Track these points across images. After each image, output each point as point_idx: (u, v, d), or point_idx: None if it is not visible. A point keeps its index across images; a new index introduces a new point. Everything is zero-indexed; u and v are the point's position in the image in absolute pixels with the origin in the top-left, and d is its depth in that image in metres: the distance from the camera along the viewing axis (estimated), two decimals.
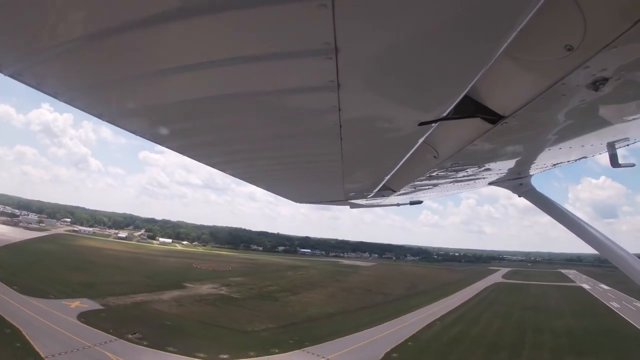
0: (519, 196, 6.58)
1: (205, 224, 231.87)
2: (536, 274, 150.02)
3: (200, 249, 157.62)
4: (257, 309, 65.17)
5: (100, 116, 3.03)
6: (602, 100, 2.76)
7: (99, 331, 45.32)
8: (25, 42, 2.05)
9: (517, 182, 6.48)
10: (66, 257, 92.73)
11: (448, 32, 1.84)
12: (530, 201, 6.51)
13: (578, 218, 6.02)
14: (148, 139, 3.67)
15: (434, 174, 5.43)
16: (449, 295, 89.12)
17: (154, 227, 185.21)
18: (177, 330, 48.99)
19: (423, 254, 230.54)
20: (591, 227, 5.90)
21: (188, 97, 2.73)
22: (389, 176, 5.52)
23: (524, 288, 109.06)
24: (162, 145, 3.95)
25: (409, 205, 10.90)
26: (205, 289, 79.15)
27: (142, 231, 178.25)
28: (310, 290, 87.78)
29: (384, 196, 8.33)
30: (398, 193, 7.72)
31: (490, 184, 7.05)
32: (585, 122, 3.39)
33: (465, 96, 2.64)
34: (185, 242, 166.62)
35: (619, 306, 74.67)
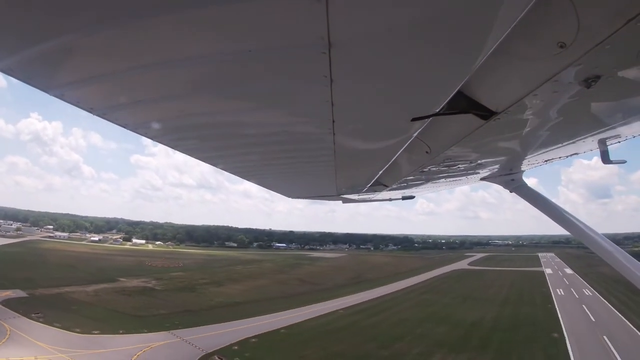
0: (511, 192, 6.64)
1: (195, 223, 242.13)
2: (510, 259, 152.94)
3: (171, 248, 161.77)
4: (167, 299, 69.16)
5: (91, 110, 2.97)
6: (594, 98, 2.76)
7: (11, 311, 52.70)
8: (16, 36, 2.01)
9: (509, 177, 6.54)
10: (23, 258, 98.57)
11: (441, 28, 1.83)
12: (522, 197, 6.57)
13: (569, 214, 6.10)
14: (139, 133, 3.62)
15: (427, 169, 5.43)
16: (386, 285, 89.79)
17: (134, 230, 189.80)
18: (75, 312, 55.21)
19: (405, 243, 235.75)
20: (581, 222, 5.99)
21: (180, 91, 2.69)
22: (381, 171, 5.53)
23: (478, 274, 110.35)
24: (154, 140, 3.89)
25: (401, 200, 10.90)
26: (135, 282, 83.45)
27: (117, 234, 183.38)
28: (241, 282, 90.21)
29: (376, 191, 8.33)
30: (390, 188, 7.70)
31: (482, 179, 7.10)
32: (577, 119, 3.38)
33: (458, 92, 2.64)
34: (158, 242, 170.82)
35: (562, 294, 72.54)
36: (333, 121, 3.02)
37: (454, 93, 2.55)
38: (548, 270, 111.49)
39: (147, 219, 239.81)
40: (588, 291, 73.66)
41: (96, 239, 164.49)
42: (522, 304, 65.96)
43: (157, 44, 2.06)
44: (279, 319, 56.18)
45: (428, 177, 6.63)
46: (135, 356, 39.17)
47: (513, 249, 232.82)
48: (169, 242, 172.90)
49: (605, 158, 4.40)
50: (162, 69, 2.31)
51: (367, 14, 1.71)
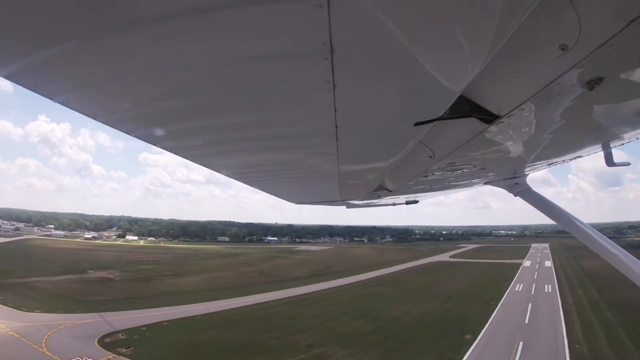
0: (515, 195, 6.59)
1: (199, 219, 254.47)
2: (499, 250, 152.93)
3: (162, 244, 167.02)
4: (118, 288, 75.02)
5: (95, 117, 2.98)
6: (597, 100, 2.76)
7: None
8: (21, 43, 2.01)
9: (513, 181, 6.51)
10: (9, 254, 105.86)
11: (443, 32, 1.83)
12: (526, 200, 6.53)
13: (573, 217, 6.10)
14: (143, 140, 3.62)
15: (430, 173, 5.41)
16: (346, 277, 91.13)
17: (132, 227, 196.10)
18: (30, 297, 62.26)
19: (402, 235, 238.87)
20: (586, 225, 5.97)
21: (184, 98, 2.70)
22: (385, 176, 5.51)
23: (452, 267, 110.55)
24: (158, 147, 3.90)
25: (405, 205, 10.85)
26: (100, 274, 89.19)
27: (115, 232, 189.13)
28: (200, 274, 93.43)
29: (380, 196, 8.28)
30: (394, 193, 7.64)
31: (486, 183, 7.09)
32: (580, 121, 3.37)
33: (461, 96, 2.64)
34: (151, 239, 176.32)
35: (519, 290, 70.45)
36: (336, 127, 3.04)
37: (456, 97, 2.55)
38: (527, 263, 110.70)
39: (152, 216, 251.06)
40: (549, 288, 71.29)
41: (90, 236, 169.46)
42: (467, 299, 64.95)
43: (161, 50, 2.08)
44: (206, 307, 60.38)
45: (432, 182, 6.63)
46: (57, 328, 46.58)
47: (512, 239, 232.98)
48: (162, 238, 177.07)
49: (609, 160, 4.39)
50: (165, 76, 2.33)
51: (369, 19, 1.71)
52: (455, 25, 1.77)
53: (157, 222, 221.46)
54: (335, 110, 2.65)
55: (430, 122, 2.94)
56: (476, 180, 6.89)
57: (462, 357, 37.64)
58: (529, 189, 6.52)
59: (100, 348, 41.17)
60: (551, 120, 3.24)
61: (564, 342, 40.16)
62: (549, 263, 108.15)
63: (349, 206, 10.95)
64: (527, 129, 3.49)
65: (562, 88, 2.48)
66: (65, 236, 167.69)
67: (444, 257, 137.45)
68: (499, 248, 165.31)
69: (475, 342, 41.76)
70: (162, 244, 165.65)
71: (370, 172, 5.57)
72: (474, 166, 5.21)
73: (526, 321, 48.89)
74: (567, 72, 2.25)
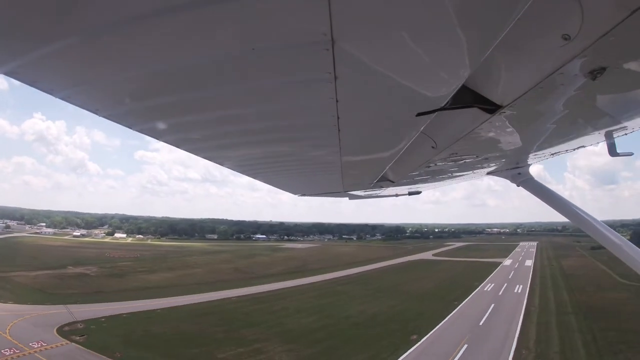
0: (518, 185, 6.60)
1: (194, 217, 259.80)
2: (484, 249, 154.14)
3: (149, 241, 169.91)
4: (91, 283, 77.98)
5: (96, 112, 2.99)
6: (600, 90, 2.75)
7: None
8: (21, 39, 2.01)
9: (516, 171, 6.52)
10: None
11: (445, 22, 1.82)
12: (529, 190, 6.55)
13: (575, 207, 6.11)
14: (145, 134, 3.62)
15: (433, 164, 5.43)
16: (319, 275, 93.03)
17: (123, 225, 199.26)
18: (6, 289, 65.38)
19: (392, 233, 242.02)
20: (588, 215, 5.99)
21: (185, 90, 2.70)
22: (387, 167, 5.52)
23: (430, 265, 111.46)
24: (160, 140, 3.90)
25: (407, 195, 10.90)
26: (78, 270, 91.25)
27: (105, 229, 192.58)
28: (176, 271, 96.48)
29: (382, 187, 8.31)
30: (397, 184, 7.70)
31: (489, 173, 7.09)
32: (583, 111, 3.36)
33: (463, 86, 2.64)
34: (139, 236, 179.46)
35: (488, 290, 70.30)
36: (338, 118, 3.01)
37: (458, 87, 2.53)
38: (507, 262, 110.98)
39: (147, 214, 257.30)
40: (520, 288, 70.98)
41: (78, 234, 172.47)
42: (430, 298, 64.97)
43: (161, 43, 2.07)
44: (169, 301, 62.69)
45: (434, 172, 6.66)
46: (23, 317, 49.21)
47: (504, 237, 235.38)
48: (150, 236, 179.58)
49: (612, 150, 4.38)
50: (166, 68, 2.33)
51: (370, 9, 1.71)
52: (457, 14, 1.76)
53: (149, 219, 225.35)
54: (337, 101, 2.66)
55: (433, 113, 2.93)
56: (479, 171, 6.89)
57: (397, 359, 37.78)
58: (531, 179, 6.52)
59: (57, 335, 43.57)
60: (554, 110, 3.22)
61: (511, 347, 39.60)
62: (529, 262, 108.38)
63: (352, 197, 10.95)
64: (529, 119, 3.48)
65: (564, 78, 2.47)
66: (54, 234, 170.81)
67: (427, 255, 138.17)
68: (485, 246, 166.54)
69: (418, 343, 41.97)
70: (149, 242, 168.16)
71: (373, 163, 5.55)
72: (477, 156, 5.21)
73: (481, 323, 48.57)
74: (569, 62, 2.24)
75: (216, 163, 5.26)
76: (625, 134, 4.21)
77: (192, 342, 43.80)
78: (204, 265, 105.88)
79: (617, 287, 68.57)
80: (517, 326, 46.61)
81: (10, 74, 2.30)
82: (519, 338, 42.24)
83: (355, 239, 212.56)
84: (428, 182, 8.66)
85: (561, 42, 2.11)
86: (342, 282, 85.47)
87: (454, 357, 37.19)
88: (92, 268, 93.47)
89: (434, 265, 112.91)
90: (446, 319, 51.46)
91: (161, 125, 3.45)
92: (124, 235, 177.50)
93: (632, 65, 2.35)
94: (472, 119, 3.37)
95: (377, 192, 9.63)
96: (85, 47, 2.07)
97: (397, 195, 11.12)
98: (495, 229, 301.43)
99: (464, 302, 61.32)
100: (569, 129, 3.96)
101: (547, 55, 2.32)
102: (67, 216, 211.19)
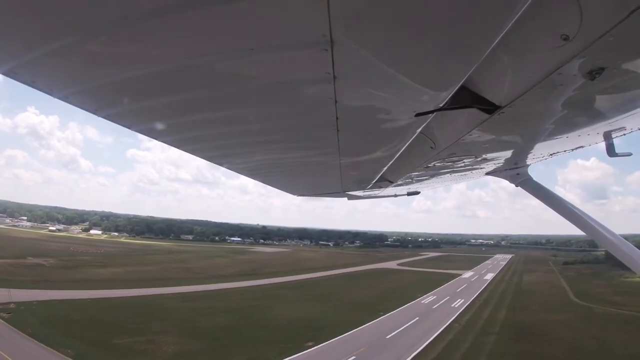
0: (516, 186, 6.61)
1: (182, 218, 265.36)
2: (454, 260, 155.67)
3: (123, 239, 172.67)
4: (44, 272, 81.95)
5: (96, 112, 3.01)
6: (599, 90, 2.76)
7: None
8: (20, 39, 2.02)
9: (514, 172, 6.51)
10: None
11: (444, 22, 1.83)
12: (527, 191, 6.55)
13: (574, 207, 6.13)
14: (144, 134, 3.64)
15: (431, 164, 5.45)
16: (269, 278, 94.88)
17: (103, 222, 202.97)
18: None
19: (373, 240, 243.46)
20: (587, 215, 5.98)
21: (183, 91, 2.71)
22: (386, 167, 5.52)
23: (388, 274, 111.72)
24: (159, 140, 3.90)
25: (406, 195, 10.86)
26: (37, 260, 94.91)
27: (82, 225, 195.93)
28: (127, 266, 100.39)
29: (381, 187, 8.29)
30: (395, 184, 7.72)
31: (488, 174, 7.09)
32: (582, 111, 3.38)
33: (462, 86, 2.64)
34: (114, 233, 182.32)
35: (424, 302, 69.52)
36: (337, 118, 3.01)
37: (457, 88, 2.54)
38: (467, 274, 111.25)
39: (132, 213, 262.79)
40: (460, 302, 70.23)
41: (54, 229, 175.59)
42: (359, 308, 64.87)
43: (160, 44, 2.07)
44: (104, 293, 67.20)
45: (433, 173, 6.66)
46: None
47: (484, 249, 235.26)
48: (125, 234, 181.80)
49: (611, 151, 4.39)
50: (165, 69, 2.33)
51: (369, 10, 1.71)
52: (456, 14, 1.77)
53: (130, 218, 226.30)
54: (336, 101, 2.65)
55: (431, 113, 2.94)
56: (477, 171, 6.85)
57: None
58: (530, 179, 6.50)
59: None
60: (552, 110, 3.23)
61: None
62: (490, 275, 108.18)
63: (351, 198, 10.79)
64: (528, 119, 3.48)
65: (563, 78, 2.46)
66: (31, 227, 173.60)
67: (392, 264, 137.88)
68: (458, 257, 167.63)
69: (308, 350, 43.24)
70: (122, 240, 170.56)
71: (371, 163, 5.51)
72: (475, 157, 5.20)
73: (389, 336, 48.13)
74: (568, 62, 2.24)
75: (215, 163, 5.25)
76: (624, 135, 4.20)
77: (100, 328, 47.78)
78: (158, 264, 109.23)
79: (566, 307, 68.25)
80: (424, 343, 45.86)
81: (9, 73, 2.29)
82: (415, 356, 41.79)
83: (332, 245, 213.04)
84: (427, 182, 8.60)
85: (560, 43, 2.11)
86: (286, 286, 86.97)
87: None
88: (50, 260, 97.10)
89: (391, 274, 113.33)
90: (358, 328, 51.86)
91: (160, 126, 3.44)
92: (100, 232, 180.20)
93: (630, 66, 2.35)
94: (471, 120, 3.37)
95: (376, 192, 9.58)
96: (84, 48, 2.07)
97: (395, 195, 11.12)
98: (481, 240, 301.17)
99: (391, 313, 61.36)
100: (567, 129, 3.94)
101: (545, 56, 2.31)
102: (49, 211, 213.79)
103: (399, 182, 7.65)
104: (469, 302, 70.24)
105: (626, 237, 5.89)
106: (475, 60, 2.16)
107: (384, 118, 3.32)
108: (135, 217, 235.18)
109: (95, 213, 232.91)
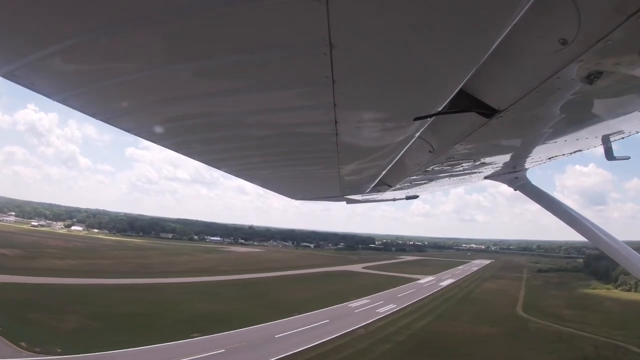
0: (515, 190, 6.59)
1: (165, 216, 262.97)
2: (427, 264, 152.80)
3: (102, 235, 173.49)
4: (3, 261, 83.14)
5: (94, 115, 3.01)
6: (597, 94, 2.76)
7: None
8: (19, 42, 2.03)
9: (513, 175, 6.51)
10: None
11: (442, 27, 1.84)
12: (526, 194, 6.54)
13: (572, 210, 6.13)
14: (143, 137, 3.64)
15: (430, 168, 5.43)
16: (219, 276, 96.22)
17: (89, 218, 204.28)
18: None
19: (360, 243, 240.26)
20: (585, 219, 5.98)
21: (182, 95, 2.71)
22: (385, 171, 5.50)
23: (342, 277, 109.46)
24: (157, 144, 3.92)
25: (405, 200, 10.92)
26: (2, 251, 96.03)
27: (69, 222, 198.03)
28: (84, 259, 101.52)
29: (380, 191, 8.29)
30: (394, 188, 7.72)
31: (486, 178, 7.10)
32: (580, 115, 3.39)
33: (461, 90, 2.64)
34: (95, 230, 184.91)
35: (353, 306, 68.96)
36: (336, 122, 3.00)
37: (456, 92, 2.54)
38: (426, 279, 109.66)
39: (125, 211, 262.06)
40: (388, 308, 68.01)
41: (36, 224, 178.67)
42: (280, 307, 64.31)
43: (159, 48, 2.08)
44: (48, 280, 69.99)
45: (432, 177, 6.65)
46: None
47: (469, 254, 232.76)
48: (105, 230, 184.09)
49: (609, 154, 4.38)
50: (164, 73, 2.33)
51: (368, 14, 1.71)
52: (455, 19, 1.77)
53: (118, 216, 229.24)
54: (335, 105, 2.65)
55: (430, 117, 2.94)
56: (476, 175, 6.88)
57: (133, 347, 41.97)
58: (528, 183, 6.50)
59: None
60: (551, 114, 3.23)
61: None
62: (449, 282, 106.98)
63: (349, 202, 10.80)
64: (526, 123, 3.48)
65: (561, 82, 2.47)
66: (15, 222, 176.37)
67: (358, 267, 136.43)
68: (433, 262, 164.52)
69: (188, 340, 45.36)
70: (101, 236, 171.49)
71: (370, 167, 5.52)
72: (474, 161, 5.21)
73: (278, 335, 48.22)
74: (566, 66, 2.25)
75: (214, 167, 5.23)
76: (622, 138, 4.20)
77: (24, 306, 52.26)
78: (117, 258, 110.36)
79: (502, 319, 65.97)
80: (308, 345, 45.16)
81: (8, 76, 2.30)
82: (282, 358, 41.44)
83: (312, 247, 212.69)
84: (425, 186, 8.61)
85: (558, 47, 2.12)
86: (228, 284, 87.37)
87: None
88: (15, 250, 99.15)
89: (347, 277, 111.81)
90: (255, 326, 52.56)
91: (159, 130, 3.43)
92: (80, 229, 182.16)
93: (628, 70, 2.35)
94: (470, 124, 3.36)
95: (375, 196, 9.59)
96: (83, 51, 2.08)
97: (394, 199, 11.13)
98: (471, 245, 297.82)
99: (306, 314, 60.85)
100: (566, 133, 3.96)
101: (544, 60, 2.32)
102: (37, 207, 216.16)
103: (398, 186, 7.66)
104: (399, 308, 68.85)
105: (627, 244, 5.80)
106: (473, 64, 2.16)
107: (383, 122, 3.36)
108: (126, 215, 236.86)
109: (86, 210, 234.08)
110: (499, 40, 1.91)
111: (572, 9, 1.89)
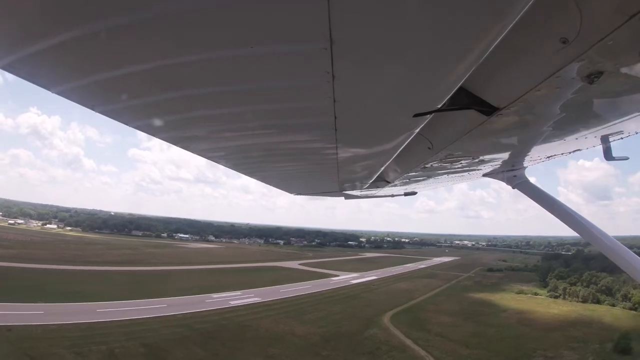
0: (513, 188, 6.64)
1: (149, 214, 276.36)
2: (378, 262, 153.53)
3: (74, 233, 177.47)
4: None
5: (93, 108, 3.01)
6: (597, 94, 2.77)
7: None
8: (18, 34, 2.03)
9: (511, 174, 6.55)
10: None
11: (443, 24, 1.84)
12: (524, 193, 6.59)
13: (569, 209, 6.17)
14: (142, 131, 3.66)
15: (429, 165, 5.46)
16: (142, 267, 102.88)
17: (66, 217, 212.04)
18: None
19: (346, 240, 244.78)
20: (583, 218, 6.07)
21: (182, 89, 2.71)
22: (383, 167, 5.53)
23: (262, 272, 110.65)
24: (157, 137, 3.93)
25: (403, 196, 10.92)
26: None
27: (47, 221, 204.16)
28: (27, 250, 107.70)
29: (378, 187, 8.32)
30: (393, 184, 7.77)
31: (485, 175, 7.12)
32: (580, 115, 3.41)
33: (460, 88, 2.63)
34: (69, 227, 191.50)
35: (215, 301, 72.95)
36: (335, 117, 3.00)
37: (456, 89, 2.53)
38: (346, 276, 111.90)
39: (116, 210, 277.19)
40: (249, 301, 73.32)
41: (12, 222, 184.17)
42: (149, 294, 71.97)
43: (159, 41, 2.07)
44: None
45: (430, 173, 6.67)
46: None
47: (447, 251, 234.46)
48: (78, 228, 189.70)
49: (608, 154, 4.39)
50: (164, 66, 2.32)
51: (369, 10, 1.70)
52: (456, 16, 1.76)
53: (93, 214, 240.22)
54: (335, 101, 2.65)
55: (430, 114, 2.94)
56: (474, 172, 6.92)
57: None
58: (527, 181, 6.55)
59: None
60: (551, 113, 3.24)
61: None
62: (364, 279, 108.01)
63: (347, 197, 10.87)
64: (526, 121, 3.49)
65: (562, 81, 2.47)
66: None
67: (294, 263, 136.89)
68: (388, 260, 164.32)
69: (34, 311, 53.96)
70: (69, 233, 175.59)
71: (369, 163, 5.54)
72: (473, 158, 5.24)
73: (100, 310, 57.98)
74: (567, 65, 2.25)
75: (213, 161, 5.28)
76: (622, 138, 4.22)
77: None
78: (57, 250, 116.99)
79: (347, 323, 66.74)
80: (90, 321, 54.13)
81: (7, 68, 2.30)
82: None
83: (282, 243, 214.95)
84: (424, 183, 8.67)
85: (559, 46, 2.12)
86: (142, 274, 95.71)
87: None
88: None
89: (264, 271, 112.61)
90: (109, 309, 59.67)
91: (158, 123, 3.42)
92: (55, 226, 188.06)
93: (629, 70, 2.35)
94: (469, 121, 3.37)
95: (373, 192, 9.62)
96: (82, 43, 2.07)
97: (392, 195, 11.18)
98: (466, 241, 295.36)
99: (169, 304, 67.22)
100: (565, 132, 3.98)
101: (544, 59, 2.32)
102: (23, 207, 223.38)
103: (396, 182, 7.69)
104: (260, 302, 73.92)
105: (628, 239, 5.97)
106: (474, 62, 2.15)
107: (383, 118, 3.34)
108: (119, 214, 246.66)
109: (75, 210, 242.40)
110: (500, 38, 1.91)
111: (574, 8, 1.91)
